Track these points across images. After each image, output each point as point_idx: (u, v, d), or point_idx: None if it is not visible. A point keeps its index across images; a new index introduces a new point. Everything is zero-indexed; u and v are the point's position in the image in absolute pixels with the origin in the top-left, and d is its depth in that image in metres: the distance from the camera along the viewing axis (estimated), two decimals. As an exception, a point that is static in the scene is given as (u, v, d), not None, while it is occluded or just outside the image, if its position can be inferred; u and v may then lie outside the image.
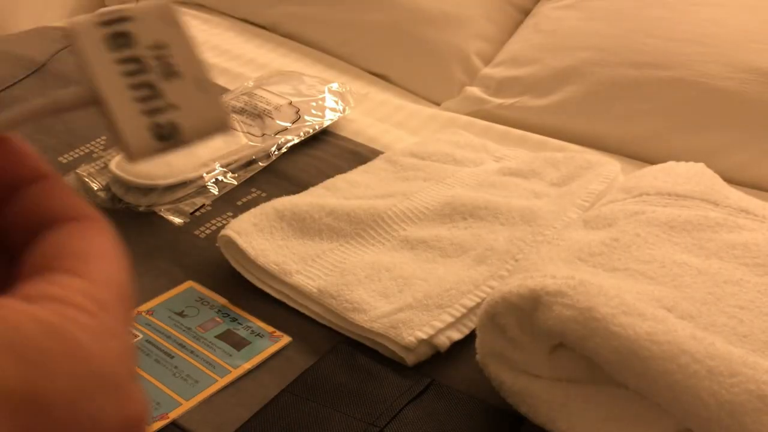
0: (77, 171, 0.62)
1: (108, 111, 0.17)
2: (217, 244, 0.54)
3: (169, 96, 0.17)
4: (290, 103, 0.74)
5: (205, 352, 0.47)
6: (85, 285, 0.15)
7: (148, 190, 0.60)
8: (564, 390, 0.41)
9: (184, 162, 0.63)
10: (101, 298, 0.15)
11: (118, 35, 0.17)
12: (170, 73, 0.17)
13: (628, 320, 0.37)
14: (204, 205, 0.61)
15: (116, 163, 0.61)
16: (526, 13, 0.96)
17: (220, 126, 0.18)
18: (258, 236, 0.53)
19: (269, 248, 0.53)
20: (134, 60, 0.17)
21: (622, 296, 0.39)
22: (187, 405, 0.43)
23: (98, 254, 0.16)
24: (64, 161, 0.66)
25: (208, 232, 0.59)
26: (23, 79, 0.78)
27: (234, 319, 0.50)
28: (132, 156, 0.17)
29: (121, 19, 0.17)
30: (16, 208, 0.17)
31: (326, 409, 0.42)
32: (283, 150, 0.69)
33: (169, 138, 0.17)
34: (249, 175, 0.65)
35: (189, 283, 0.53)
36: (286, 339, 0.49)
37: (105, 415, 0.14)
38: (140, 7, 0.18)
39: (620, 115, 0.79)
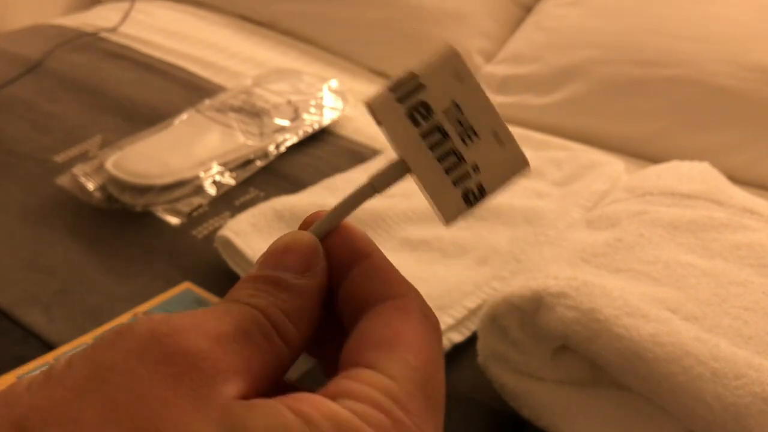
0: (73, 170, 0.62)
1: (422, 184, 0.18)
2: (214, 245, 0.53)
3: (471, 158, 0.18)
4: (289, 101, 0.73)
5: (203, 354, 0.46)
6: (386, 382, 0.15)
7: (144, 189, 0.60)
8: (567, 392, 0.40)
9: (181, 161, 0.63)
10: (402, 397, 0.15)
11: (417, 108, 0.18)
12: (469, 133, 0.18)
13: (632, 322, 0.37)
14: (201, 205, 0.61)
15: (112, 162, 0.61)
16: (528, 10, 0.96)
17: (521, 168, 0.19)
18: (256, 236, 0.52)
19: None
20: (435, 129, 0.18)
21: (626, 297, 0.38)
22: (183, 408, 0.42)
23: (403, 344, 0.16)
24: (60, 160, 0.66)
25: (205, 232, 0.58)
26: (19, 77, 0.78)
27: (232, 321, 0.49)
28: (446, 222, 0.19)
29: (416, 89, 0.18)
30: (344, 290, 0.19)
31: (325, 412, 0.41)
32: (282, 149, 0.68)
33: (477, 199, 0.19)
34: (247, 174, 0.65)
35: (186, 285, 0.52)
36: (284, 341, 0.48)
37: None
38: (429, 67, 0.18)
39: (623, 114, 0.78)
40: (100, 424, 0.13)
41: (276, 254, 0.18)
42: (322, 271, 0.18)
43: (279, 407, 0.14)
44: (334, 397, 0.15)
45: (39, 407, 0.13)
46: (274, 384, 0.16)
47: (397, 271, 0.19)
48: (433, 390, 0.16)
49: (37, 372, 0.15)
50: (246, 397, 0.15)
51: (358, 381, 0.15)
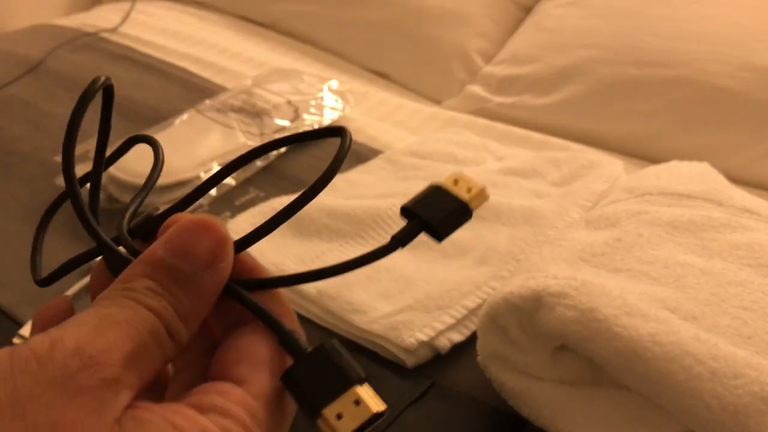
0: (74, 170, 0.62)
1: None
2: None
3: None
4: (289, 101, 0.74)
5: (203, 354, 0.46)
6: (249, 400, 0.18)
7: (145, 189, 0.60)
8: (566, 392, 0.40)
9: (181, 161, 0.63)
10: (260, 416, 0.18)
11: None
12: None
13: (631, 321, 0.37)
14: (202, 205, 0.61)
15: (113, 162, 0.61)
16: (527, 10, 0.96)
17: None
18: (256, 236, 0.53)
19: (267, 248, 0.52)
20: None
21: (625, 297, 0.38)
22: (184, 407, 0.42)
23: (268, 364, 0.19)
24: (59, 161, 0.66)
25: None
26: (20, 77, 0.78)
27: (232, 320, 0.49)
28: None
29: None
30: (218, 306, 0.20)
31: (325, 411, 0.41)
32: (282, 149, 0.68)
33: None
34: (247, 174, 0.65)
35: (187, 284, 0.52)
36: (284, 340, 0.48)
37: None
38: None
39: (622, 114, 0.79)
40: None
41: (184, 236, 0.18)
42: (227, 267, 0.19)
43: (164, 426, 0.16)
44: (204, 411, 0.17)
45: None
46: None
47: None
48: (285, 408, 0.19)
49: None
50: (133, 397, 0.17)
51: (226, 397, 0.17)
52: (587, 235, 0.47)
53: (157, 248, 0.18)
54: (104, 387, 0.16)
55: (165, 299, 0.18)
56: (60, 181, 0.62)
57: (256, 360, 0.18)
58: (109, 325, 0.17)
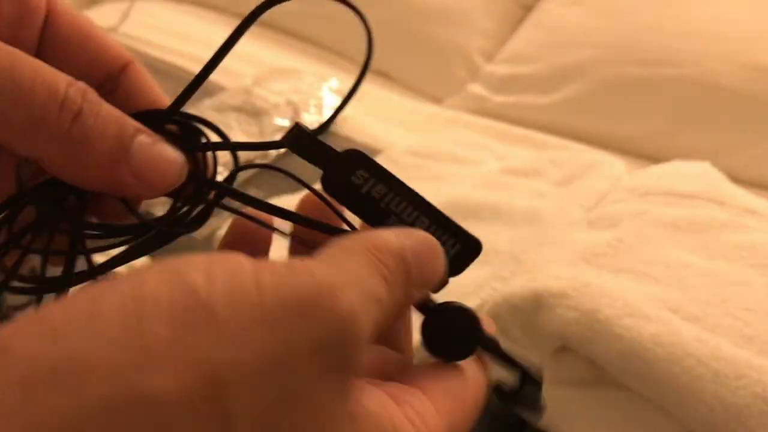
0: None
1: None
2: (214, 246, 0.53)
3: None
4: (288, 101, 0.73)
5: (203, 355, 0.46)
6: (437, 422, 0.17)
7: (144, 189, 0.60)
8: (567, 393, 0.40)
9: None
10: None
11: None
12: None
13: (633, 322, 0.37)
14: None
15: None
16: (528, 9, 0.96)
17: None
18: (256, 236, 0.52)
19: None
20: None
21: (627, 298, 0.38)
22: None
23: (461, 398, 0.19)
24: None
25: (205, 233, 0.58)
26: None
27: (232, 321, 0.49)
28: None
29: None
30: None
31: (325, 412, 0.41)
32: (282, 149, 0.68)
33: None
34: (247, 175, 0.65)
35: (186, 284, 0.52)
36: (284, 341, 0.48)
37: None
38: None
39: (624, 114, 0.78)
40: None
41: (429, 258, 0.18)
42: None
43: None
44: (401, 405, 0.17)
45: None
46: None
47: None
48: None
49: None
50: None
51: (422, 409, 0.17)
52: (589, 235, 0.47)
53: (407, 251, 0.17)
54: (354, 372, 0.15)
55: (398, 308, 0.17)
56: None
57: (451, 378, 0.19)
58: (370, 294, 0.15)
